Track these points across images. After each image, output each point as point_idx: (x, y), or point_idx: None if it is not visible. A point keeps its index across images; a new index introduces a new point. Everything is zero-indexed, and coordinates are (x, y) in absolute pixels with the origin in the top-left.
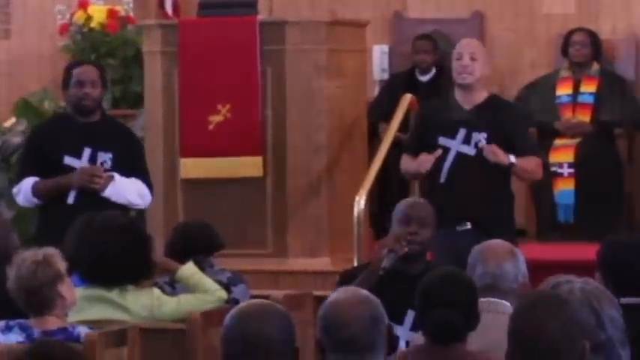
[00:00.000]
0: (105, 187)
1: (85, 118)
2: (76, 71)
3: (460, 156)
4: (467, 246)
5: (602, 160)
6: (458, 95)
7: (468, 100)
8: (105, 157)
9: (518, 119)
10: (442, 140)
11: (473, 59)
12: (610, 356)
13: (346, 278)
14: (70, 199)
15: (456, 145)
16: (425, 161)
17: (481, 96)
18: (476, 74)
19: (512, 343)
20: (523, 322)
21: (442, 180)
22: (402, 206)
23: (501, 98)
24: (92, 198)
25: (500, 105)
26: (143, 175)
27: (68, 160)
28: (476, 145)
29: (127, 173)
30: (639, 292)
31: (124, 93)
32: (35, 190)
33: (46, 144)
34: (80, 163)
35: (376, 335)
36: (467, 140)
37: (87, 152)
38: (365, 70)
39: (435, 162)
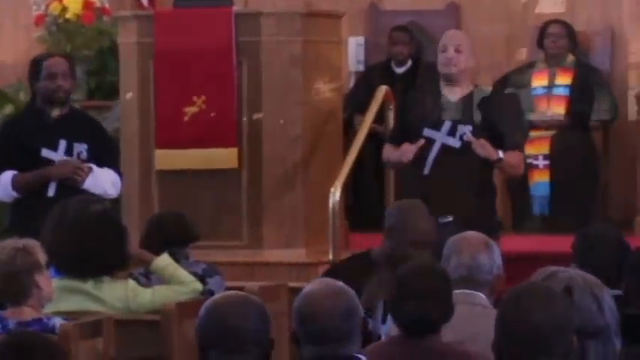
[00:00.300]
0: (85, 179)
1: (57, 111)
2: (46, 63)
3: (445, 148)
4: (448, 238)
5: (578, 152)
6: (443, 87)
7: (453, 92)
8: (80, 148)
9: (504, 111)
10: (427, 132)
11: (458, 51)
12: (607, 342)
13: (336, 272)
14: (51, 192)
15: (440, 137)
16: (407, 151)
17: (466, 88)
18: (461, 66)
19: (499, 333)
20: (510, 313)
21: (426, 172)
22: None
23: (487, 89)
24: (72, 190)
25: (485, 97)
26: (114, 165)
27: (45, 152)
28: (461, 138)
29: (100, 163)
30: (613, 284)
31: (99, 84)
32: (15, 184)
33: (22, 137)
34: (57, 155)
35: (351, 327)
36: (452, 132)
37: (63, 144)
38: (341, 61)
39: (418, 152)
